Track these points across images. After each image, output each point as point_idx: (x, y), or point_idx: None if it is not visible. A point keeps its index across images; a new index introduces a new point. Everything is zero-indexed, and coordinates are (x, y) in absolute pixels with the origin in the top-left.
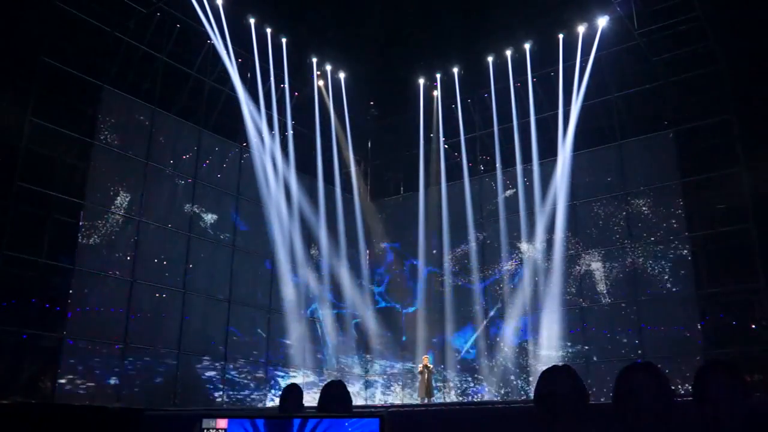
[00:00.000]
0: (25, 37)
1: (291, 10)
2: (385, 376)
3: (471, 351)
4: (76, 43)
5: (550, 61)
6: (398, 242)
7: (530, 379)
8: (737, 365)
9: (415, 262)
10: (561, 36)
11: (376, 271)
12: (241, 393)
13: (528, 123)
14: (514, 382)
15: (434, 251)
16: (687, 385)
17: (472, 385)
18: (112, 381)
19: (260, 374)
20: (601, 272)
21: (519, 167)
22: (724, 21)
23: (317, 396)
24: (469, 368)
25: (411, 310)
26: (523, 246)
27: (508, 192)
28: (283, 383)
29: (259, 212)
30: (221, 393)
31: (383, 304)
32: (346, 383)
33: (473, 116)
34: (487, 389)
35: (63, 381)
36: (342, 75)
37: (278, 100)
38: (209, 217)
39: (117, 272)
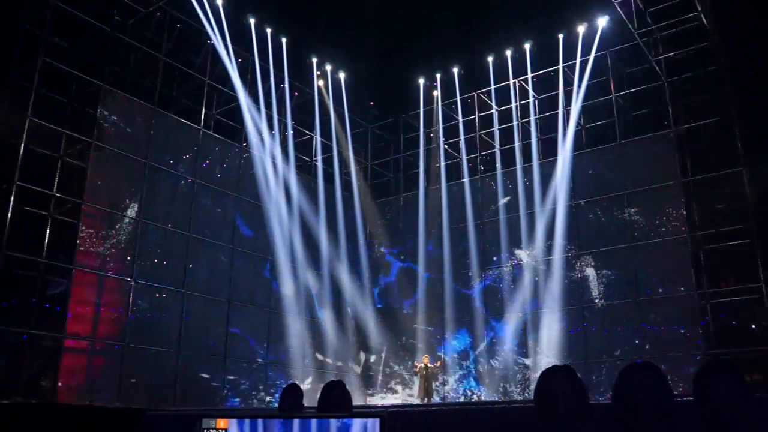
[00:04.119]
0: (25, 37)
1: (291, 10)
2: (385, 376)
3: (469, 351)
4: (76, 43)
5: (550, 61)
6: (398, 243)
7: (530, 379)
8: (737, 365)
9: (415, 262)
10: (561, 36)
11: (376, 270)
12: (241, 393)
13: (528, 123)
14: (514, 383)
15: (434, 251)
16: (687, 384)
17: (472, 385)
18: (112, 381)
19: (260, 374)
20: (600, 272)
21: (519, 167)
22: (725, 21)
23: (317, 396)
24: (469, 368)
25: (411, 310)
26: (523, 246)
27: (505, 199)
28: (283, 383)
29: (259, 212)
30: (221, 393)
31: (383, 305)
32: (345, 383)
33: (473, 116)
34: (487, 389)
35: (63, 381)
36: (342, 75)
37: (278, 100)
38: (209, 218)
39: (117, 272)
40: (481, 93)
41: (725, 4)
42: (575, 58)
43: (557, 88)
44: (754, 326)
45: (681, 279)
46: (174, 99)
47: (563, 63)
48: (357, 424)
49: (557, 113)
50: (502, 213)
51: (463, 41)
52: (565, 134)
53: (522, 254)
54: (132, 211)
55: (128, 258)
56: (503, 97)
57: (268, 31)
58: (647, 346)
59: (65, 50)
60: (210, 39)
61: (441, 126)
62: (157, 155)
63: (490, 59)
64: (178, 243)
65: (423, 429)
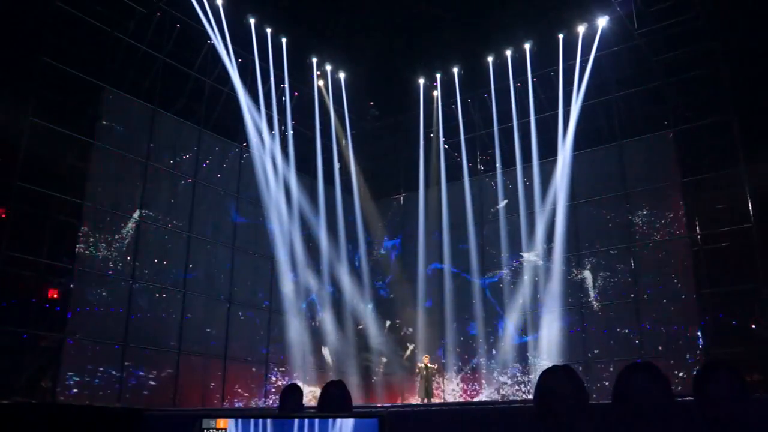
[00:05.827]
0: (25, 37)
1: (291, 10)
2: (384, 377)
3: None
4: (76, 43)
5: (550, 61)
6: (398, 242)
7: (530, 378)
8: (737, 365)
9: (415, 262)
10: (561, 36)
11: (376, 270)
12: (241, 393)
13: (528, 123)
14: (514, 383)
15: (434, 251)
16: (687, 384)
17: (472, 384)
18: (112, 381)
19: (260, 374)
20: (601, 272)
21: (519, 167)
22: (725, 21)
23: (317, 396)
24: (468, 368)
25: (411, 310)
26: (523, 246)
27: (504, 202)
28: (283, 383)
29: (259, 212)
30: (221, 393)
31: (383, 304)
32: (345, 383)
33: (473, 116)
34: (486, 390)
35: (63, 381)
36: (342, 75)
37: (278, 100)
38: (210, 218)
39: (117, 272)
40: (481, 93)
41: (724, 4)
42: (575, 59)
43: (557, 88)
44: (754, 326)
45: (681, 279)
46: (174, 99)
47: (563, 63)
48: (357, 424)
49: (557, 113)
50: (502, 214)
51: (463, 41)
52: (565, 134)
53: (522, 254)
54: (132, 211)
55: (128, 258)
56: (503, 97)
57: (268, 31)
58: (647, 346)
59: (65, 50)
60: (210, 39)
61: (441, 126)
62: (157, 155)
63: (490, 59)
64: (178, 243)
65: (423, 429)
